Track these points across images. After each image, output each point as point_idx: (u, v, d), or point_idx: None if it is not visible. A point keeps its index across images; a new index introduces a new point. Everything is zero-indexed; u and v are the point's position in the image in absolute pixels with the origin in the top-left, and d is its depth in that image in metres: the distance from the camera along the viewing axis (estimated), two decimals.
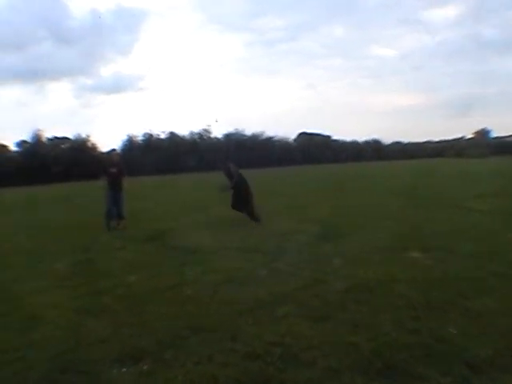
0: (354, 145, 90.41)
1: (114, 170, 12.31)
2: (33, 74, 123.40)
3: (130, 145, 65.67)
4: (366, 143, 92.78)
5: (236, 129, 74.59)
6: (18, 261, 8.78)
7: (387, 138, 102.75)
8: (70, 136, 67.20)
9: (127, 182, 12.69)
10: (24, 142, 64.30)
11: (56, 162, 55.91)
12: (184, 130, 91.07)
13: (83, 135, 64.79)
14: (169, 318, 4.97)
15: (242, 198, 11.82)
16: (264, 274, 6.63)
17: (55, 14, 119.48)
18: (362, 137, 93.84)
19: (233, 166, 12.32)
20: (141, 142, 67.51)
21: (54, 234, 12.11)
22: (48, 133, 64.14)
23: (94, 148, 64.02)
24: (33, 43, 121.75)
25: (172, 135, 70.29)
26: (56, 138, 66.42)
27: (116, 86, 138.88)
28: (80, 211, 17.58)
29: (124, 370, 3.84)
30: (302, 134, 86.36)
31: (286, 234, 9.75)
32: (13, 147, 63.75)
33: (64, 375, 3.81)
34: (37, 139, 61.99)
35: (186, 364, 3.86)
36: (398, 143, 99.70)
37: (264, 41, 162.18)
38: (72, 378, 3.77)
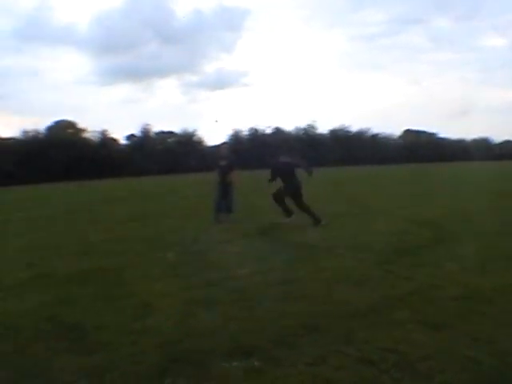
0: (460, 143, 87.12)
1: (223, 163, 12.47)
2: (141, 73, 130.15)
3: (236, 139, 66.74)
4: (474, 141, 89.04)
5: (341, 125, 73.91)
6: (132, 247, 9.16)
7: (497, 136, 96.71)
8: (177, 130, 69.55)
9: (237, 176, 12.75)
10: (132, 135, 67.32)
11: (162, 155, 57.96)
12: (289, 125, 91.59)
13: (190, 129, 66.81)
14: (280, 315, 4.84)
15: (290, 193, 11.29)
16: (377, 276, 6.36)
17: (160, 16, 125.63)
18: (469, 134, 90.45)
19: (282, 159, 11.88)
20: (246, 137, 68.46)
21: (164, 223, 12.52)
22: (155, 127, 66.79)
23: (200, 142, 65.85)
24: (140, 44, 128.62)
25: (277, 130, 70.76)
26: (163, 132, 68.91)
27: (220, 83, 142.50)
28: (184, 203, 18.15)
29: (234, 364, 3.75)
30: (407, 132, 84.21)
31: (396, 234, 9.35)
32: (122, 140, 66.98)
33: (174, 364, 3.79)
34: (145, 133, 64.58)
35: (298, 364, 3.70)
36: (509, 142, 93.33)
37: (366, 35, 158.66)
38: (182, 367, 3.74)
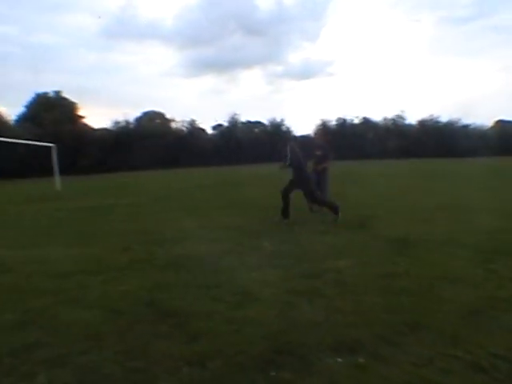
0: None
1: (318, 152, 12.38)
2: (225, 64, 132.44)
3: (322, 129, 66.31)
4: None
5: (431, 115, 71.54)
6: (226, 235, 9.20)
7: None
8: (263, 120, 69.94)
9: (331, 166, 12.60)
10: (219, 125, 68.33)
11: (250, 144, 58.51)
12: (377, 115, 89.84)
13: (277, 119, 66.99)
14: (384, 310, 4.67)
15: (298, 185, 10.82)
16: (479, 275, 5.96)
17: (243, 8, 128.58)
18: None
19: (292, 147, 10.86)
20: (334, 127, 67.86)
21: (259, 212, 12.65)
22: (242, 117, 67.51)
23: (288, 132, 65.94)
24: (224, 36, 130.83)
25: (365, 120, 69.73)
26: (249, 122, 69.51)
27: (305, 72, 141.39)
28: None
29: (339, 360, 3.64)
30: (499, 122, 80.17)
31: (493, 231, 8.74)
32: (210, 130, 68.17)
33: (279, 356, 3.73)
34: (233, 123, 65.36)
35: (404, 364, 3.54)
36: None
37: (455, 19, 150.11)
38: (287, 360, 3.67)
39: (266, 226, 10.22)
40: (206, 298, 5.31)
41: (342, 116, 70.31)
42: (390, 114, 73.29)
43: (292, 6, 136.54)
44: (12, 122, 60.35)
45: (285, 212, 10.84)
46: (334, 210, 10.56)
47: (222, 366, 3.66)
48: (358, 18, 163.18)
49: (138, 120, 67.57)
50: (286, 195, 10.91)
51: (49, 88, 67.41)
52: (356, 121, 70.50)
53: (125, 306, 5.18)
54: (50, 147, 28.90)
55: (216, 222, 10.93)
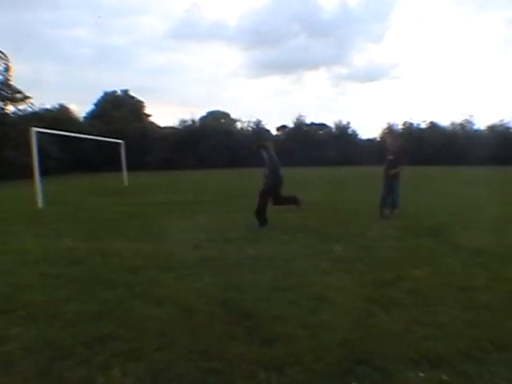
0: None
1: (390, 157, 12.08)
2: (290, 66, 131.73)
3: (388, 133, 65.18)
4: None
5: (501, 120, 68.80)
6: (298, 238, 9.11)
7: None
8: (328, 122, 69.51)
9: (401, 171, 12.16)
10: (284, 126, 68.40)
11: (315, 146, 58.33)
12: (444, 119, 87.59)
13: (343, 122, 66.42)
14: (464, 325, 4.46)
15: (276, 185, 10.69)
16: None
17: (307, 10, 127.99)
18: None
19: (270, 150, 10.81)
20: (401, 131, 66.60)
21: (329, 215, 12.48)
22: (307, 119, 67.37)
23: (353, 135, 65.33)
24: (288, 37, 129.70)
25: (432, 125, 68.11)
26: (314, 123, 69.14)
27: (370, 75, 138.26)
28: (347, 194, 18.12)
29: (421, 374, 3.50)
30: None
31: None
32: (274, 131, 68.40)
33: (358, 366, 3.63)
34: (298, 125, 65.21)
35: None
36: None
37: None
38: (366, 370, 3.56)
39: (336, 229, 10.08)
40: (281, 301, 5.26)
41: (408, 120, 69.02)
42: (458, 118, 71.22)
43: (356, 7, 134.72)
44: (81, 119, 62.16)
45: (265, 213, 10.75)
46: (295, 202, 11.03)
47: (299, 372, 3.59)
48: (424, 18, 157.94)
49: (204, 119, 68.36)
50: (279, 201, 10.99)
51: (117, 87, 69.57)
52: (423, 125, 68.96)
53: (198, 305, 5.19)
54: (118, 143, 29.52)
55: (286, 224, 10.87)
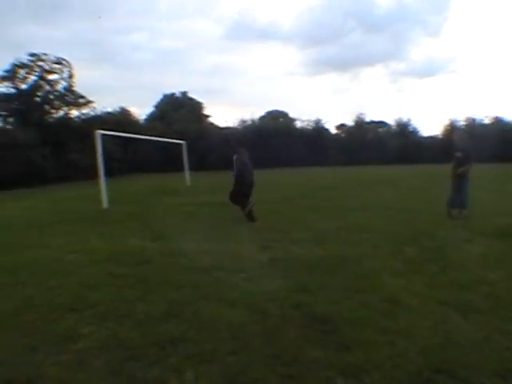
0: None
1: (458, 154, 11.65)
2: (347, 63, 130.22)
3: (452, 130, 63.53)
4: None
5: None
6: (366, 238, 8.97)
7: None
8: (387, 120, 68.36)
9: (469, 169, 11.58)
10: (342, 125, 67.73)
11: (375, 144, 57.54)
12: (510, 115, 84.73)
13: (404, 119, 65.15)
14: None
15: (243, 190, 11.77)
16: None
17: (362, 5, 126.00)
18: None
19: (240, 154, 12.02)
20: (464, 128, 64.76)
21: (395, 214, 12.20)
22: (366, 117, 66.51)
23: (414, 132, 63.98)
24: (344, 34, 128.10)
25: (496, 121, 65.89)
26: (373, 121, 68.19)
27: (427, 69, 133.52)
28: (411, 194, 17.74)
29: None
30: None
31: None
32: (333, 130, 67.79)
33: (438, 376, 3.52)
34: (358, 123, 64.48)
35: None
36: None
37: None
38: (448, 382, 3.45)
39: (404, 229, 9.84)
40: (355, 304, 5.16)
41: (470, 116, 66.96)
42: None
43: (412, 0, 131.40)
44: (142, 121, 63.39)
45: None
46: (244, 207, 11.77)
47: (379, 380, 3.53)
48: (483, 9, 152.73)
49: (262, 119, 68.46)
50: (245, 198, 11.86)
51: (176, 89, 70.59)
52: (486, 120, 66.76)
53: (271, 307, 5.15)
54: (179, 144, 29.87)
55: (353, 224, 10.65)
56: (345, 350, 4.00)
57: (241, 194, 11.92)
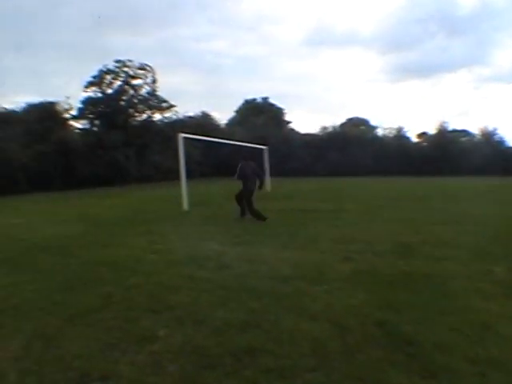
0: None
1: None
2: (429, 68, 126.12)
3: None
4: None
5: None
6: (452, 254, 8.42)
7: None
8: (470, 129, 66.14)
9: None
10: (424, 133, 66.19)
11: (457, 154, 55.74)
12: None
13: (489, 128, 62.65)
14: None
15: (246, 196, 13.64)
16: None
17: (443, 8, 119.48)
18: None
19: (244, 164, 13.82)
20: None
21: (483, 230, 11.54)
22: (449, 125, 64.67)
23: (500, 142, 61.33)
24: (426, 39, 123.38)
25: None
26: (455, 130, 66.25)
27: None
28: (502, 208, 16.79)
29: None
30: None
31: None
32: (415, 138, 66.40)
33: None
34: (441, 131, 62.71)
35: None
36: None
37: None
38: None
39: (493, 247, 9.20)
40: (441, 326, 4.86)
41: None
42: None
43: (497, 0, 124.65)
44: (223, 126, 64.38)
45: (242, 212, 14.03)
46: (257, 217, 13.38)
47: None
48: None
49: (343, 126, 67.85)
50: (240, 200, 14.07)
51: (257, 95, 71.42)
52: None
53: (353, 323, 4.98)
54: (260, 149, 29.94)
55: (440, 239, 10.10)
56: (431, 377, 3.75)
57: (242, 197, 13.87)
